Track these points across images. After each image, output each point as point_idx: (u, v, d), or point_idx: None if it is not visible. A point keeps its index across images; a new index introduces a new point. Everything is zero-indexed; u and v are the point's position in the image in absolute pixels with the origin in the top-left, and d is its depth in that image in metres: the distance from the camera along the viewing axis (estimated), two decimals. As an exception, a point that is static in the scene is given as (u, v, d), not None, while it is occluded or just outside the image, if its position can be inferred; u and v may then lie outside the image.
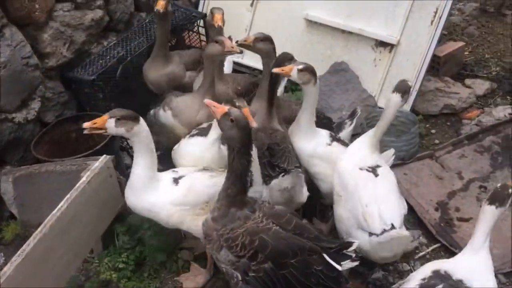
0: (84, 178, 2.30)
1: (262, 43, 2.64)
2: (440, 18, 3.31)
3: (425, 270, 1.95)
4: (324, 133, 2.56)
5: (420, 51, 3.39)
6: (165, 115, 2.74)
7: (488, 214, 1.87)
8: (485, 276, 1.87)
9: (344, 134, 2.77)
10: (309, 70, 2.38)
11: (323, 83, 3.34)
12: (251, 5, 3.67)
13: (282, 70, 2.38)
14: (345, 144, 2.58)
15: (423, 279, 1.89)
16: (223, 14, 2.87)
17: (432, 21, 3.34)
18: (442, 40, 4.39)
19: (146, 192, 2.19)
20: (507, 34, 4.46)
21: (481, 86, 3.72)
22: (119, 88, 3.06)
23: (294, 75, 2.36)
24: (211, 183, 2.24)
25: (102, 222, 2.47)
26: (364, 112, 3.28)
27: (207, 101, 2.02)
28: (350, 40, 3.54)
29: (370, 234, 2.11)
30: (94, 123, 2.05)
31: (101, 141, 2.73)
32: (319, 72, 3.43)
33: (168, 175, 2.29)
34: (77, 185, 2.26)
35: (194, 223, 2.21)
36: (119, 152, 3.05)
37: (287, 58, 2.57)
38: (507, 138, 3.18)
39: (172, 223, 2.24)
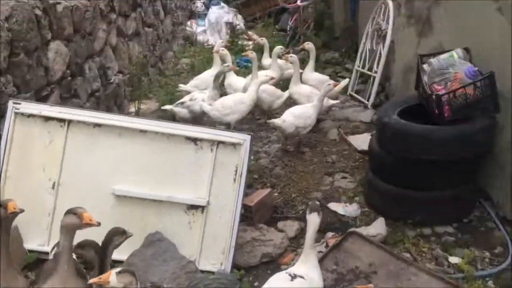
0: None
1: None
2: (241, 175, 3.59)
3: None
4: None
5: (229, 208, 3.58)
6: None
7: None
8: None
9: None
10: (129, 271, 2.37)
11: (138, 258, 3.24)
12: (53, 187, 3.52)
13: (100, 278, 2.32)
14: None
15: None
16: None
17: (234, 179, 3.60)
18: (253, 184, 4.77)
19: None
20: (307, 171, 5.06)
21: (292, 227, 4.03)
22: None
23: (113, 280, 2.30)
24: None
25: None
26: (186, 280, 3.24)
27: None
28: (162, 207, 3.58)
29: None
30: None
31: None
32: (135, 246, 3.37)
33: None
34: None
35: None
36: None
37: (119, 232, 2.71)
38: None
39: None
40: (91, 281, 2.36)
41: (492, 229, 3.91)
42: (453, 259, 3.56)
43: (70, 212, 2.68)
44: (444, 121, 3.93)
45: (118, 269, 2.34)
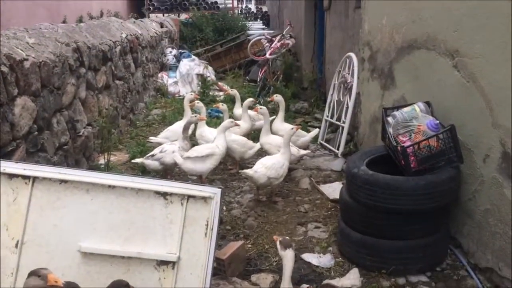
0: None
1: None
2: (212, 230, 3.53)
3: None
4: None
5: (201, 263, 3.48)
6: None
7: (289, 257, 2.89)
8: None
9: None
10: None
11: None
12: (16, 246, 3.36)
13: None
14: None
15: None
16: None
17: (205, 233, 3.53)
18: (226, 236, 4.70)
19: None
20: (280, 221, 5.04)
21: (266, 280, 3.95)
22: None
23: None
24: None
25: None
26: None
27: None
28: (131, 264, 3.45)
29: None
30: None
31: None
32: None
33: None
34: None
35: None
36: None
37: (123, 285, 2.71)
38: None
39: None
40: None
41: (465, 277, 3.93)
42: (428, 311, 3.54)
43: (33, 274, 2.59)
44: (411, 172, 4.03)
45: None
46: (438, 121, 4.16)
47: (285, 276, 2.99)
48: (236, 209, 5.33)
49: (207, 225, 3.56)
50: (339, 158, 6.73)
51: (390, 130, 4.42)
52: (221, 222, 4.97)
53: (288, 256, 3.01)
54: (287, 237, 3.18)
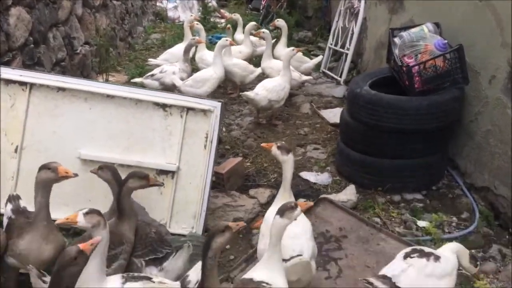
0: None
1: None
2: (212, 142, 3.53)
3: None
4: (113, 281, 2.34)
5: (200, 174, 3.52)
6: None
7: (278, 225, 2.34)
8: (278, 276, 2.33)
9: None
10: (96, 212, 2.31)
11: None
12: (15, 151, 3.37)
13: (67, 219, 2.27)
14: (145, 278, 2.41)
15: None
16: None
17: (205, 146, 3.54)
18: (226, 154, 4.73)
19: None
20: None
21: (263, 194, 4.01)
22: None
23: (81, 220, 2.25)
24: None
25: None
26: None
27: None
28: (130, 173, 3.48)
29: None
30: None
31: None
32: (103, 211, 3.27)
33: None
34: None
35: None
36: None
37: (136, 175, 2.86)
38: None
39: None
40: (58, 221, 2.29)
41: (459, 196, 4.00)
42: (421, 223, 3.63)
43: (43, 167, 2.63)
44: (415, 92, 3.97)
45: (84, 210, 2.26)
46: (446, 41, 4.04)
47: (286, 181, 2.88)
48: (235, 131, 5.33)
49: (206, 137, 3.55)
50: (341, 85, 6.64)
51: (396, 51, 4.31)
52: (220, 141, 4.97)
53: (290, 161, 2.88)
54: (284, 142, 3.06)
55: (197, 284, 2.39)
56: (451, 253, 2.68)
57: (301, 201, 3.85)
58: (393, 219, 3.73)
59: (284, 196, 2.87)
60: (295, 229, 2.63)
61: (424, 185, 4.08)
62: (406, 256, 2.62)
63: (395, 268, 2.58)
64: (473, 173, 4.01)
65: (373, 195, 3.99)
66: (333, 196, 3.84)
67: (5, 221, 2.85)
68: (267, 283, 2.27)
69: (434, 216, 3.66)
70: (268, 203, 3.96)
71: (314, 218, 3.54)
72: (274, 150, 2.94)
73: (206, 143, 3.54)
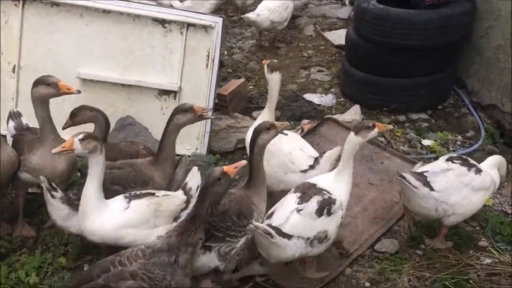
0: None
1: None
2: (213, 60, 3.43)
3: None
4: (116, 201, 2.35)
5: (202, 94, 3.46)
6: None
7: (351, 142, 2.40)
8: (342, 189, 2.42)
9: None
10: (92, 137, 2.25)
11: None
12: (13, 71, 3.29)
13: (63, 147, 2.21)
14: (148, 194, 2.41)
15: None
16: None
17: (207, 64, 3.45)
18: (228, 78, 4.64)
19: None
20: (282, 65, 4.90)
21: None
22: None
23: (77, 147, 2.19)
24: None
25: None
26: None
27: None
28: (132, 92, 3.43)
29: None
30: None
31: None
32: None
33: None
34: None
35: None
36: None
37: (182, 109, 2.54)
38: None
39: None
40: (53, 151, 2.23)
41: (465, 114, 3.95)
42: (426, 142, 3.61)
43: (40, 82, 2.49)
44: (424, 5, 3.80)
45: (80, 136, 2.20)
46: (458, -49, 3.80)
47: (271, 101, 2.88)
48: (237, 54, 5.19)
49: (208, 55, 3.44)
50: (346, 6, 6.37)
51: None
52: (222, 65, 4.84)
53: (274, 79, 2.84)
54: (275, 60, 2.99)
55: (198, 190, 2.41)
56: (493, 168, 2.70)
57: (304, 122, 3.84)
58: (397, 138, 3.71)
59: (266, 115, 2.86)
60: (293, 141, 2.84)
61: (429, 104, 4.02)
62: (450, 159, 2.62)
63: (435, 167, 2.60)
64: (480, 91, 3.93)
65: (378, 115, 3.95)
66: (337, 117, 3.80)
67: (9, 139, 2.83)
68: (327, 192, 2.37)
69: (439, 135, 3.64)
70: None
71: (318, 138, 3.53)
72: (264, 67, 2.94)
73: (208, 62, 3.44)
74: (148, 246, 2.10)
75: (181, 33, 3.41)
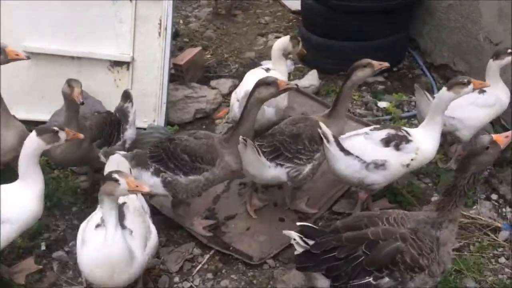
0: None
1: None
2: (166, 29, 3.35)
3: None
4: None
5: (157, 64, 3.38)
6: None
7: (442, 97, 2.43)
8: (429, 141, 2.51)
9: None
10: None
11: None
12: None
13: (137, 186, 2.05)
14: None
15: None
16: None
17: (159, 33, 3.36)
18: (184, 47, 4.54)
19: None
20: (240, 33, 4.86)
21: (225, 84, 3.94)
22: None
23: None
24: None
25: None
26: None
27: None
28: (83, 65, 3.32)
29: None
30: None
31: None
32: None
33: None
34: None
35: None
36: None
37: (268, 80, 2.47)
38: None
39: None
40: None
41: (419, 75, 4.04)
42: (382, 104, 3.68)
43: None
44: (378, -32, 3.80)
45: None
46: None
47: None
48: (193, 23, 5.07)
49: (160, 24, 3.35)
50: (303, -29, 6.29)
51: None
52: (177, 34, 4.75)
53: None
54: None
55: None
56: (501, 85, 2.79)
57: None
58: (354, 101, 3.76)
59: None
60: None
61: (385, 67, 4.07)
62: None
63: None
64: (433, 52, 4.01)
65: (335, 80, 3.98)
66: (295, 82, 3.80)
67: None
68: (407, 133, 2.52)
69: (394, 96, 3.71)
70: (230, 93, 3.88)
71: (276, 104, 3.52)
72: None
73: (161, 30, 3.36)
74: (409, 216, 2.04)
75: (130, 1, 3.29)
